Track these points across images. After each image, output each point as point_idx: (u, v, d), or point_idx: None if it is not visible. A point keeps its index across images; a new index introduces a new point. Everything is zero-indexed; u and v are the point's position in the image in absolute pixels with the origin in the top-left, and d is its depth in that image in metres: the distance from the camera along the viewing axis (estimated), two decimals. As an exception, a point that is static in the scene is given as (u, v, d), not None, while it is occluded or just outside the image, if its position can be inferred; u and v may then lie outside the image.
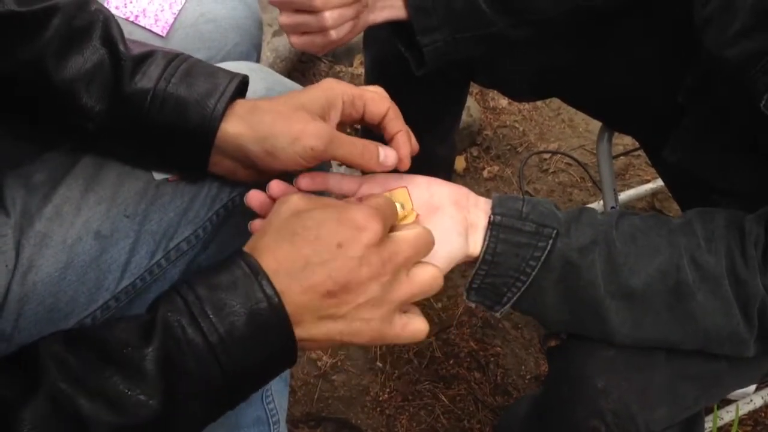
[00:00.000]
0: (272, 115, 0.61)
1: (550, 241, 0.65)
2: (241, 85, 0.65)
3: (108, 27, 0.63)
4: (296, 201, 0.54)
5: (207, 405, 0.49)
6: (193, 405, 0.48)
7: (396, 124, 0.66)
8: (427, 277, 0.54)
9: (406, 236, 0.53)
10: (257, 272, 0.49)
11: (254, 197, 0.62)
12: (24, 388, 0.45)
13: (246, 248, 0.52)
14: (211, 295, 0.48)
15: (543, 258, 0.65)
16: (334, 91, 0.64)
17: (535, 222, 0.65)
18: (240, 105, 0.63)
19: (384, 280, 0.51)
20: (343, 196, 0.67)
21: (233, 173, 0.66)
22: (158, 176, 0.68)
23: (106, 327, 0.49)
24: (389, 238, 0.53)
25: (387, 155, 0.64)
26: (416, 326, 0.54)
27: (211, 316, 0.48)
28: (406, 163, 0.67)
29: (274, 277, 0.49)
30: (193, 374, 0.47)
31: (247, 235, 0.62)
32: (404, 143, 0.66)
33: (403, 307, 0.54)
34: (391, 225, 0.54)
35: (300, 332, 0.50)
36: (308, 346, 0.52)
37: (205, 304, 0.48)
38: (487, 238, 0.65)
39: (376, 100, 0.65)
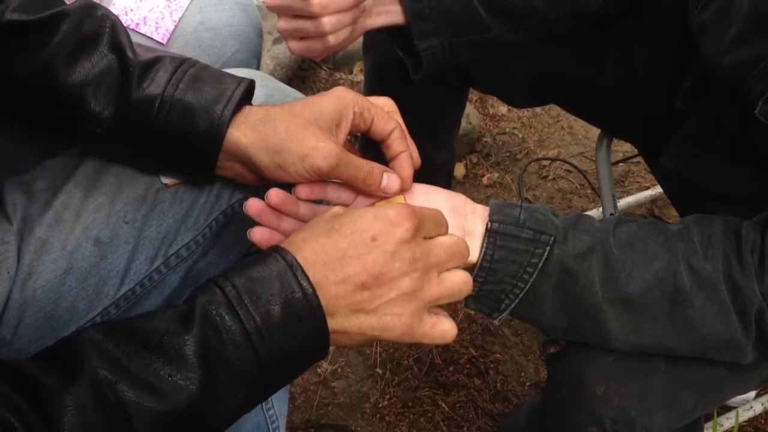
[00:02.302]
0: (285, 127, 0.62)
1: (548, 248, 0.65)
2: (248, 90, 0.65)
3: (116, 33, 0.63)
4: (337, 208, 0.56)
5: (243, 392, 0.50)
6: (230, 392, 0.49)
7: (400, 144, 0.66)
8: (456, 280, 0.55)
9: (442, 241, 0.55)
10: (292, 264, 0.51)
11: (253, 205, 0.62)
12: (65, 375, 0.46)
13: (283, 244, 0.54)
14: (249, 285, 0.50)
15: (540, 265, 0.65)
16: (345, 100, 0.64)
17: (532, 229, 0.65)
18: (252, 113, 0.63)
19: (415, 276, 0.52)
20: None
21: (241, 177, 0.67)
22: (165, 179, 0.68)
23: (144, 317, 0.50)
24: (425, 240, 0.54)
25: (390, 181, 0.65)
26: (445, 326, 0.55)
27: (247, 304, 0.49)
28: (409, 184, 0.67)
29: (310, 269, 0.51)
30: (231, 361, 0.49)
31: (247, 241, 0.63)
32: (407, 165, 0.66)
33: (433, 310, 0.55)
34: (433, 231, 0.55)
35: (333, 324, 0.52)
36: (340, 339, 0.53)
37: (242, 293, 0.50)
38: (485, 246, 0.66)
39: (384, 117, 0.66)
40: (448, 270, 0.55)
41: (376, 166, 0.64)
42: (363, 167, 0.63)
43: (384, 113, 0.66)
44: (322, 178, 0.63)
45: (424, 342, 0.55)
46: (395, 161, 0.67)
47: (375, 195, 0.65)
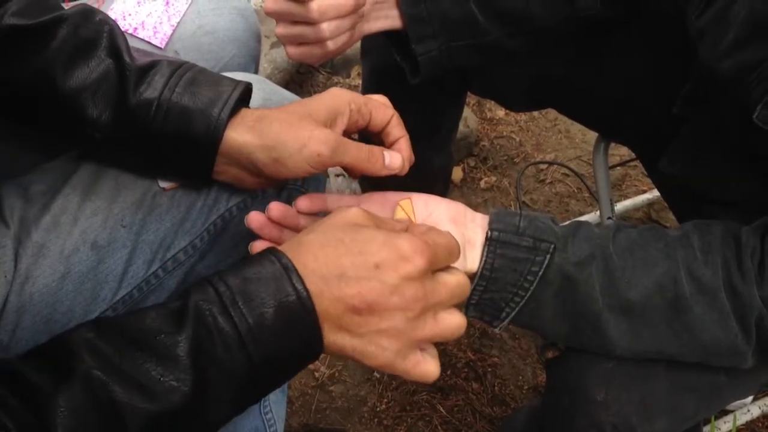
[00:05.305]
0: (279, 123, 0.62)
1: (548, 256, 0.65)
2: (245, 93, 0.65)
3: (113, 37, 0.64)
4: (356, 213, 0.54)
5: (234, 394, 0.50)
6: (221, 393, 0.49)
7: (399, 130, 0.67)
8: (452, 324, 0.53)
9: (447, 281, 0.53)
10: (288, 267, 0.50)
11: (254, 218, 0.62)
12: (58, 376, 0.45)
13: (289, 242, 0.53)
14: (243, 286, 0.49)
15: (541, 273, 0.65)
16: (341, 98, 0.65)
17: (532, 237, 0.65)
18: (248, 114, 0.64)
19: (411, 315, 0.51)
20: None
21: (239, 181, 0.67)
22: (163, 184, 0.68)
23: (137, 315, 0.50)
24: (431, 277, 0.52)
25: (392, 158, 0.65)
26: (428, 367, 0.53)
27: (241, 306, 0.49)
28: (405, 167, 0.67)
29: (309, 276, 0.50)
30: (222, 362, 0.48)
31: (245, 245, 0.63)
32: (407, 147, 0.67)
33: (421, 345, 0.53)
34: (443, 263, 0.53)
35: None
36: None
37: (236, 294, 0.49)
38: (485, 254, 0.65)
39: (382, 107, 0.67)
40: (445, 310, 0.53)
41: (375, 147, 0.65)
42: (363, 148, 0.64)
43: (381, 104, 0.67)
44: (324, 166, 0.62)
45: (402, 377, 0.54)
46: (395, 145, 0.67)
47: (380, 174, 0.65)
